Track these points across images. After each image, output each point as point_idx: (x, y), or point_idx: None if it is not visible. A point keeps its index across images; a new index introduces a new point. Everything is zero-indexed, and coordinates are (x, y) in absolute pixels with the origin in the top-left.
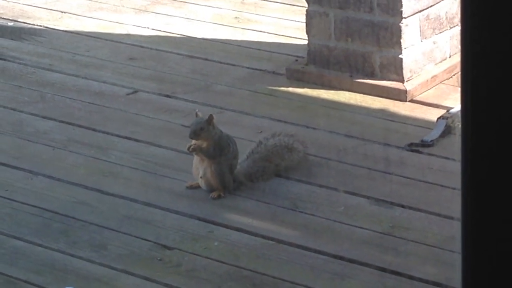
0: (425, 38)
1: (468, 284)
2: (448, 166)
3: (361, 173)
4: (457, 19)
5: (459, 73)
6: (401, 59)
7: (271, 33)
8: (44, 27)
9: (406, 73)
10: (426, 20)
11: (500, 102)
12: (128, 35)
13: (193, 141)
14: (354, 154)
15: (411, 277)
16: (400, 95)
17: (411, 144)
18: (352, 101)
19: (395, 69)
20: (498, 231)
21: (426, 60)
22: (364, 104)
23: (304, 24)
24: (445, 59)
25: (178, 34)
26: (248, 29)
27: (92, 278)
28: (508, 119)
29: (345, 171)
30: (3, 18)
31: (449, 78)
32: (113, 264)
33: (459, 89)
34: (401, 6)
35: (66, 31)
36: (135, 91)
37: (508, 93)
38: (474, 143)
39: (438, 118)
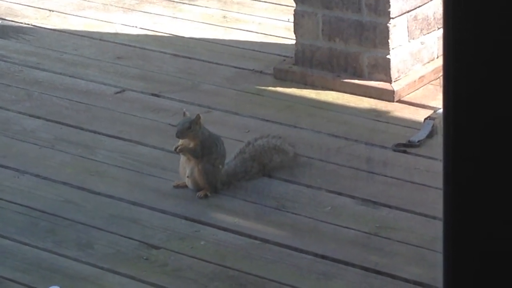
0: (413, 39)
1: (449, 284)
2: (435, 167)
3: (348, 173)
4: None
5: None
6: (389, 59)
7: (259, 33)
8: (31, 25)
9: (393, 74)
10: (414, 20)
11: (482, 103)
12: (115, 34)
13: (180, 141)
14: (340, 154)
15: (397, 277)
16: (388, 96)
17: (398, 145)
18: (339, 101)
19: (383, 69)
20: (479, 231)
21: (413, 61)
22: (351, 104)
23: (292, 24)
24: (432, 60)
25: (166, 33)
26: (236, 29)
27: (79, 277)
28: (490, 119)
29: (332, 171)
30: None
31: (437, 79)
32: (99, 263)
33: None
34: (389, 6)
35: (53, 30)
36: (123, 90)
37: (489, 94)
38: (456, 143)
39: (425, 119)
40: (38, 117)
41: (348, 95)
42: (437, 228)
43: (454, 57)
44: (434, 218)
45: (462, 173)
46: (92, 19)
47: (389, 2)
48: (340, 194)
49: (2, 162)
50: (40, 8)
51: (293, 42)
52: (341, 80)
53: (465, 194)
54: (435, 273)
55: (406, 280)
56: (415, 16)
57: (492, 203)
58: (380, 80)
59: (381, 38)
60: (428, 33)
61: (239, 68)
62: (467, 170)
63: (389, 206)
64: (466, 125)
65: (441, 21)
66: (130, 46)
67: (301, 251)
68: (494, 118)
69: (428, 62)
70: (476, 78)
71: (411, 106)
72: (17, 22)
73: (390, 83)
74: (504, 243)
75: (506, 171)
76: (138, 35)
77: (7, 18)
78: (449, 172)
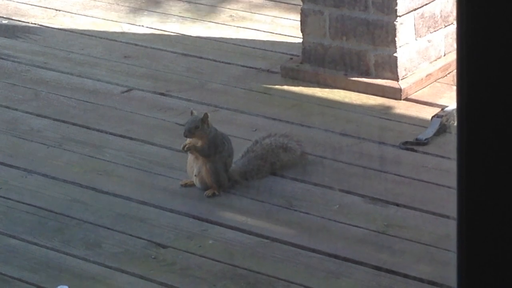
0: (420, 37)
1: (464, 283)
2: (443, 165)
3: (356, 171)
4: (452, 17)
5: (454, 71)
6: (396, 57)
7: (266, 31)
8: (38, 25)
9: (400, 72)
10: (421, 18)
11: (496, 100)
12: (122, 33)
13: (188, 140)
14: (349, 152)
15: (406, 276)
16: (395, 94)
17: (405, 143)
18: (347, 100)
19: (390, 68)
20: (493, 230)
21: (420, 59)
22: (359, 102)
23: (299, 22)
24: (440, 58)
25: (173, 33)
26: (243, 27)
27: (87, 277)
28: (504, 118)
29: (340, 170)
30: None
31: (444, 77)
32: (107, 262)
33: (454, 87)
34: (396, 4)
35: (60, 29)
36: (130, 89)
37: (504, 91)
38: (470, 141)
39: (433, 117)
40: (46, 117)
41: (355, 93)
42: (446, 226)
43: (467, 54)
44: (443, 216)
45: (476, 171)
46: (99, 18)
47: (396, 0)
48: (348, 192)
49: (9, 162)
50: (47, 7)
51: (300, 40)
52: (348, 78)
53: (479, 193)
54: (445, 271)
55: (415, 278)
56: (422, 14)
57: (506, 202)
58: (387, 78)
59: (388, 36)
60: (435, 31)
61: (246, 67)
62: (480, 168)
63: (398, 204)
64: (480, 124)
65: (448, 19)
66: (137, 45)
67: (310, 249)
68: (510, 114)
69: (435, 60)
70: (490, 75)
71: (418, 104)
72: (24, 22)
73: (397, 81)
74: None
75: None
76: (145, 34)
77: (14, 18)
78: (462, 171)
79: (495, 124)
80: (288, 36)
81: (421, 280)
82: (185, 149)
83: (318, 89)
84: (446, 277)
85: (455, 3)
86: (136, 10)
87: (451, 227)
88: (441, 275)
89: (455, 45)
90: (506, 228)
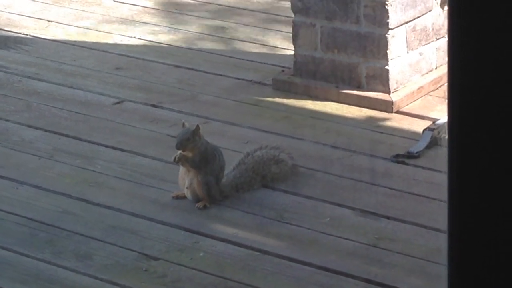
0: (412, 50)
1: None
2: (434, 178)
3: (347, 184)
4: (444, 30)
5: (446, 84)
6: (388, 70)
7: (257, 43)
8: (30, 36)
9: (392, 84)
10: (413, 31)
11: (487, 113)
12: (114, 45)
13: (179, 152)
14: (340, 165)
15: None
16: (386, 106)
17: (397, 156)
18: (338, 112)
19: (381, 80)
20: (485, 243)
21: (412, 71)
22: (350, 115)
23: (291, 35)
24: (431, 71)
25: (165, 44)
26: (235, 39)
27: None
28: (495, 130)
29: (331, 182)
30: None
31: (436, 90)
32: (98, 274)
33: (445, 100)
34: (388, 17)
35: (52, 40)
36: (121, 101)
37: (495, 104)
38: (460, 154)
39: (424, 130)
40: (37, 128)
41: (347, 105)
42: (436, 240)
43: (459, 67)
44: (434, 229)
45: (467, 184)
46: (90, 29)
47: (387, 13)
48: (339, 205)
49: (0, 173)
50: (39, 18)
51: (292, 52)
52: (340, 90)
53: (469, 206)
54: (436, 284)
55: None
56: (414, 27)
57: (498, 215)
58: (379, 91)
59: (379, 49)
60: (426, 43)
61: (238, 78)
62: (471, 181)
63: (388, 217)
64: (472, 136)
65: (439, 32)
66: (129, 56)
67: (301, 262)
68: (500, 128)
69: (427, 73)
70: (481, 88)
71: (409, 117)
72: (16, 33)
73: (389, 94)
74: (510, 255)
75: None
76: (137, 46)
77: (5, 29)
78: (453, 185)
79: (486, 137)
80: (280, 48)
81: None
82: (176, 160)
83: (309, 101)
84: None
85: (446, 16)
86: (128, 21)
87: (442, 241)
88: None
89: (446, 58)
90: (497, 242)
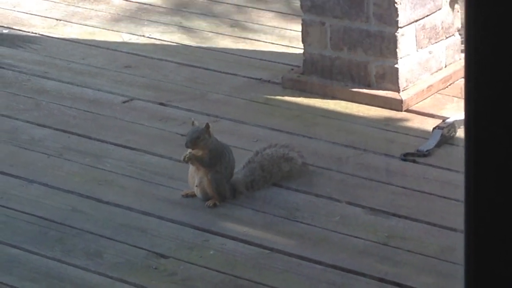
0: (421, 48)
1: None
2: (444, 176)
3: (357, 182)
4: (453, 28)
5: (455, 82)
6: (397, 68)
7: (267, 42)
8: (39, 34)
9: (401, 83)
10: (422, 29)
11: (504, 111)
12: (123, 43)
13: (189, 150)
14: (349, 163)
15: (407, 287)
16: (396, 105)
17: (406, 154)
18: (347, 111)
19: (391, 79)
20: (501, 242)
21: (421, 70)
22: (359, 113)
23: (300, 33)
24: (440, 69)
25: (174, 42)
26: (244, 38)
27: (87, 287)
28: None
29: (341, 181)
30: None
31: (445, 88)
32: (108, 272)
33: (455, 98)
34: (397, 16)
35: (61, 39)
36: (131, 99)
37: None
38: (478, 151)
39: (434, 128)
40: (46, 126)
41: (357, 104)
42: (447, 238)
43: (475, 64)
44: (444, 227)
45: (484, 183)
46: (99, 28)
47: (397, 11)
48: (349, 203)
49: (10, 171)
50: (47, 17)
51: (301, 51)
52: (349, 89)
53: (487, 205)
54: (446, 283)
55: None
56: (423, 25)
57: None
58: (388, 90)
59: (389, 47)
60: (436, 42)
61: (247, 77)
62: (489, 181)
63: (399, 216)
64: (488, 134)
65: (449, 30)
66: (137, 55)
67: (311, 260)
68: None
69: (436, 72)
70: (498, 85)
71: (419, 116)
72: (25, 32)
73: (398, 93)
74: None
75: None
76: (145, 44)
77: (14, 27)
78: (470, 184)
79: (503, 134)
80: (290, 46)
81: None
82: (186, 159)
83: (319, 99)
84: None
85: (455, 15)
86: (136, 20)
87: (453, 239)
88: (443, 286)
89: (456, 57)
90: None
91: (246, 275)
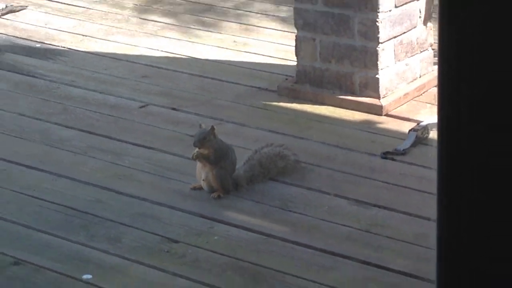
0: (399, 61)
1: (442, 276)
2: (419, 172)
3: (342, 177)
4: (427, 44)
5: (429, 91)
6: (378, 78)
7: (265, 55)
8: (67, 48)
9: (382, 91)
10: (400, 45)
11: (470, 115)
12: (141, 56)
13: (196, 149)
14: (336, 161)
15: (388, 269)
16: (377, 110)
17: (386, 153)
18: (335, 115)
19: (373, 87)
20: (467, 229)
21: (399, 80)
22: (345, 117)
23: (294, 48)
24: (416, 79)
25: (185, 56)
26: (245, 52)
27: (108, 267)
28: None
29: (329, 176)
30: (31, 40)
31: (420, 95)
32: (126, 255)
33: (428, 105)
34: (378, 32)
35: (86, 52)
36: (147, 105)
37: (483, 106)
38: (448, 152)
39: (410, 130)
40: (73, 128)
41: (343, 109)
42: (421, 226)
43: (447, 75)
44: (419, 217)
45: (454, 179)
46: (120, 43)
47: (378, 29)
48: (336, 195)
49: (41, 167)
50: (74, 33)
51: (295, 63)
52: (337, 96)
53: (457, 198)
54: (421, 265)
55: (394, 271)
56: (401, 41)
57: (487, 211)
58: (370, 97)
59: (371, 60)
60: (412, 56)
61: (248, 86)
62: (458, 176)
63: (379, 206)
64: (458, 136)
65: (423, 45)
66: (153, 66)
67: (303, 245)
68: (488, 127)
69: (412, 81)
70: (466, 93)
71: (397, 119)
72: (55, 46)
73: (379, 99)
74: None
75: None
76: (160, 57)
77: (46, 42)
78: (442, 179)
79: (470, 135)
80: (284, 59)
81: (401, 273)
82: (194, 157)
83: (311, 105)
84: (422, 270)
85: (429, 32)
86: (152, 36)
87: (427, 227)
88: (419, 268)
89: (429, 68)
90: (486, 234)
91: (246, 258)
